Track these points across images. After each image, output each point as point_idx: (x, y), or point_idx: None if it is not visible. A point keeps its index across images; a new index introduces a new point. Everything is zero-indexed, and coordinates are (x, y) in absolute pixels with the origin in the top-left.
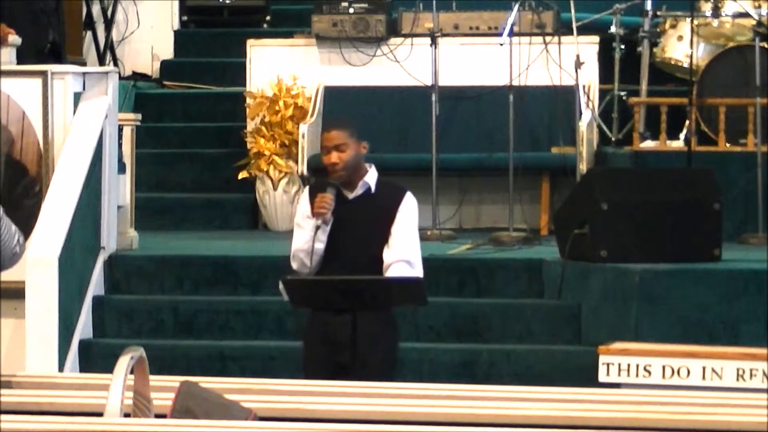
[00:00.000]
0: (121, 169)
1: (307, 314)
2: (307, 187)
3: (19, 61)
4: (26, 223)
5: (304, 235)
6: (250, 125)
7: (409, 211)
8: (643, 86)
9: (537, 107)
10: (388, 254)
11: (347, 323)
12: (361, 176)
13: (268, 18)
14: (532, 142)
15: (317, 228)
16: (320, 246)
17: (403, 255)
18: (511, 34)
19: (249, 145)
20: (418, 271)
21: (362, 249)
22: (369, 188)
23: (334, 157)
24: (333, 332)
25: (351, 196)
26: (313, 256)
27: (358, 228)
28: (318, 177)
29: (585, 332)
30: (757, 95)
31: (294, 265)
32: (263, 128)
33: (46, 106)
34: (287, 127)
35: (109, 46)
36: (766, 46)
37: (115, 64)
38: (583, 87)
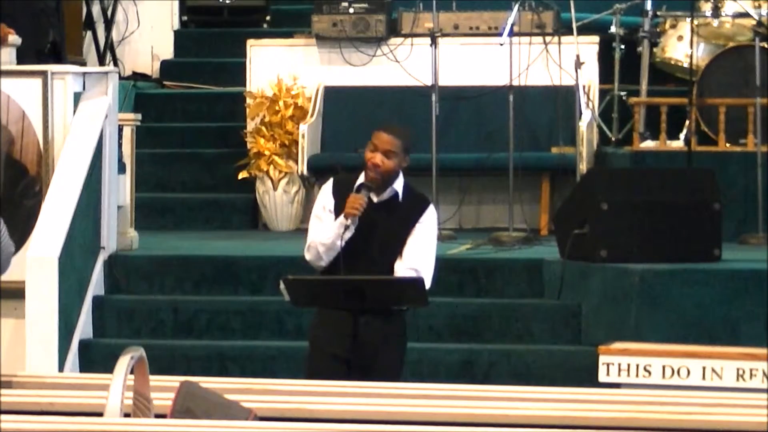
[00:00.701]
0: (121, 169)
1: (316, 311)
2: (331, 180)
3: (19, 61)
4: (26, 223)
5: (323, 228)
6: (250, 125)
7: (428, 225)
8: (643, 86)
9: (537, 107)
10: (400, 264)
11: (367, 322)
12: (392, 182)
13: (268, 18)
14: (532, 142)
15: (345, 227)
16: (339, 244)
17: (412, 264)
18: (511, 34)
19: (249, 145)
20: (425, 282)
21: (377, 253)
22: (396, 195)
23: (378, 158)
24: (341, 330)
25: (376, 199)
26: (331, 252)
27: (377, 232)
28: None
29: (585, 332)
30: (757, 95)
31: (308, 257)
32: (263, 128)
33: (46, 106)
34: (287, 127)
35: (109, 46)
36: (766, 46)
37: (115, 64)
38: (583, 87)
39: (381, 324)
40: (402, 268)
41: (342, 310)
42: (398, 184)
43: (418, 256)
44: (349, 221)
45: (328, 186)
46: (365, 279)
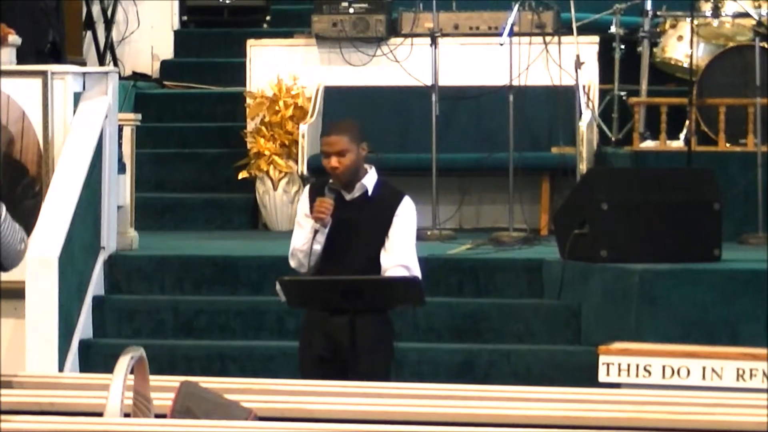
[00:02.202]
0: (121, 169)
1: (303, 314)
2: (307, 186)
3: (19, 61)
4: (26, 223)
5: (303, 234)
6: (250, 125)
7: (406, 216)
8: (643, 86)
9: (537, 107)
10: (386, 259)
11: (345, 323)
12: (359, 178)
13: (268, 18)
14: (532, 142)
15: (316, 231)
16: (318, 247)
17: (400, 260)
18: (511, 34)
19: (249, 145)
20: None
21: (359, 251)
22: (366, 191)
23: (334, 161)
24: (332, 332)
25: (348, 197)
26: (311, 256)
27: (355, 230)
28: (318, 177)
29: (585, 332)
30: (757, 95)
31: (292, 263)
32: (263, 128)
33: (46, 106)
34: (287, 127)
35: (109, 46)
36: (766, 46)
37: (115, 64)
38: (583, 87)
39: (365, 326)
40: (388, 262)
41: (326, 312)
42: (369, 180)
43: (401, 250)
44: (319, 225)
45: (305, 192)
46: (362, 279)
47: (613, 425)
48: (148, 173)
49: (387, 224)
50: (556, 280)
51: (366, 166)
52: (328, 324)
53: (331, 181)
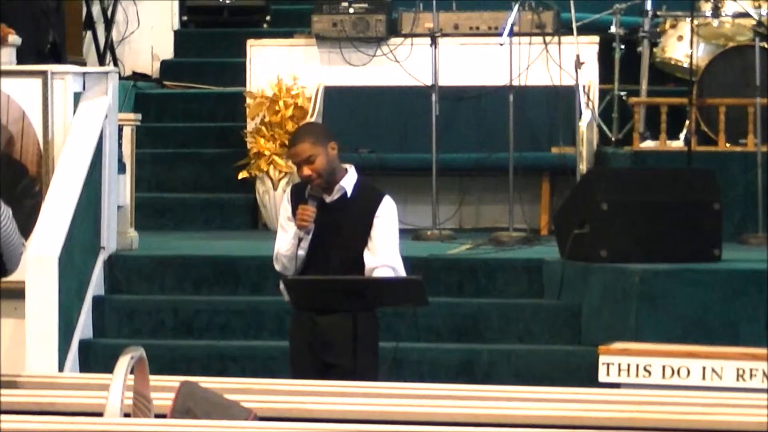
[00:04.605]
0: (121, 169)
1: (292, 314)
2: (288, 188)
3: (19, 61)
4: (26, 223)
5: (287, 238)
6: (250, 125)
7: (387, 217)
8: (643, 86)
9: (537, 107)
10: (371, 259)
11: (338, 323)
12: (338, 179)
13: (268, 18)
14: (532, 142)
15: (300, 239)
16: (302, 253)
17: (385, 260)
18: (511, 34)
19: (249, 145)
20: (400, 272)
21: (341, 252)
22: (346, 192)
23: (306, 170)
24: (322, 332)
25: (328, 199)
26: (296, 261)
27: (337, 232)
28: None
29: (585, 332)
30: (757, 95)
31: (277, 267)
32: (263, 128)
33: (46, 106)
34: (287, 127)
35: (109, 46)
36: (766, 46)
37: (115, 64)
38: (583, 87)
39: (351, 324)
40: (373, 261)
41: (313, 311)
42: (348, 181)
43: (386, 250)
44: (302, 233)
45: (286, 195)
46: (365, 279)
47: (613, 425)
48: (148, 173)
49: (368, 225)
50: (556, 280)
51: (345, 166)
52: (320, 325)
53: (309, 187)
